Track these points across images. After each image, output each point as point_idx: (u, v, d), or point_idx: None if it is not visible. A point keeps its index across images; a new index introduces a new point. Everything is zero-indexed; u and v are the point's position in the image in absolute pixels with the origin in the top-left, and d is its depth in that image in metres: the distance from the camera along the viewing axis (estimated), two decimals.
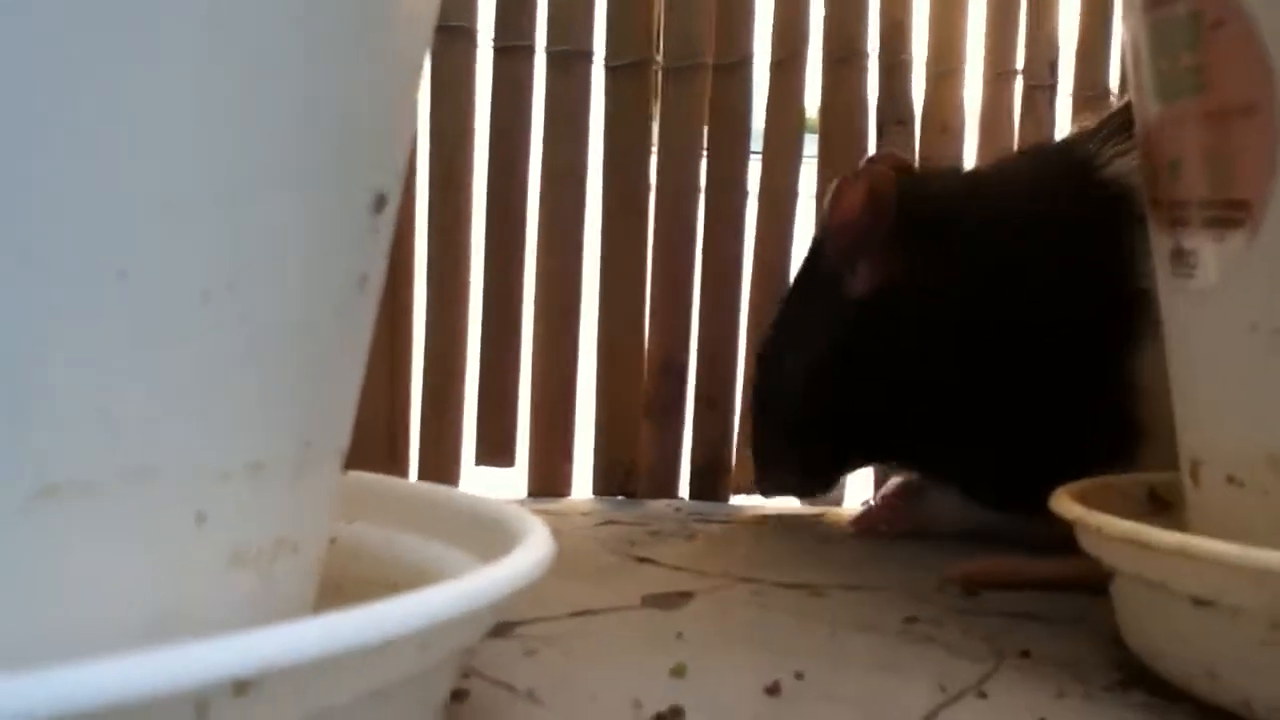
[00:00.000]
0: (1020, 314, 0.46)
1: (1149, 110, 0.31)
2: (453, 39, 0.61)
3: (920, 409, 0.48)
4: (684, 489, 0.65)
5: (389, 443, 0.62)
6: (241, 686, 0.13)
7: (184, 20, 0.15)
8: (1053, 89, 0.68)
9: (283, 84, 0.17)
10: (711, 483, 0.65)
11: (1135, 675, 0.30)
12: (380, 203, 0.20)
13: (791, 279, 0.60)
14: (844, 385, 0.50)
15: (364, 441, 0.59)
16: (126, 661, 0.12)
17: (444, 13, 0.59)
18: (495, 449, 0.64)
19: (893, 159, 0.54)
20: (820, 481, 0.55)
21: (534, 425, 0.64)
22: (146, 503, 0.16)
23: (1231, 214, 0.27)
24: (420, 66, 0.22)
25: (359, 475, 0.31)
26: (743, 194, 0.65)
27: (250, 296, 0.17)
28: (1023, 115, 0.68)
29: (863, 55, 0.65)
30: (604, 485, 0.64)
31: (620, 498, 0.64)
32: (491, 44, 0.62)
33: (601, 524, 0.54)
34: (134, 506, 0.16)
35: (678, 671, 0.29)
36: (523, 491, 0.64)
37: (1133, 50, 0.32)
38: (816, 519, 0.60)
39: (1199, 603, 0.26)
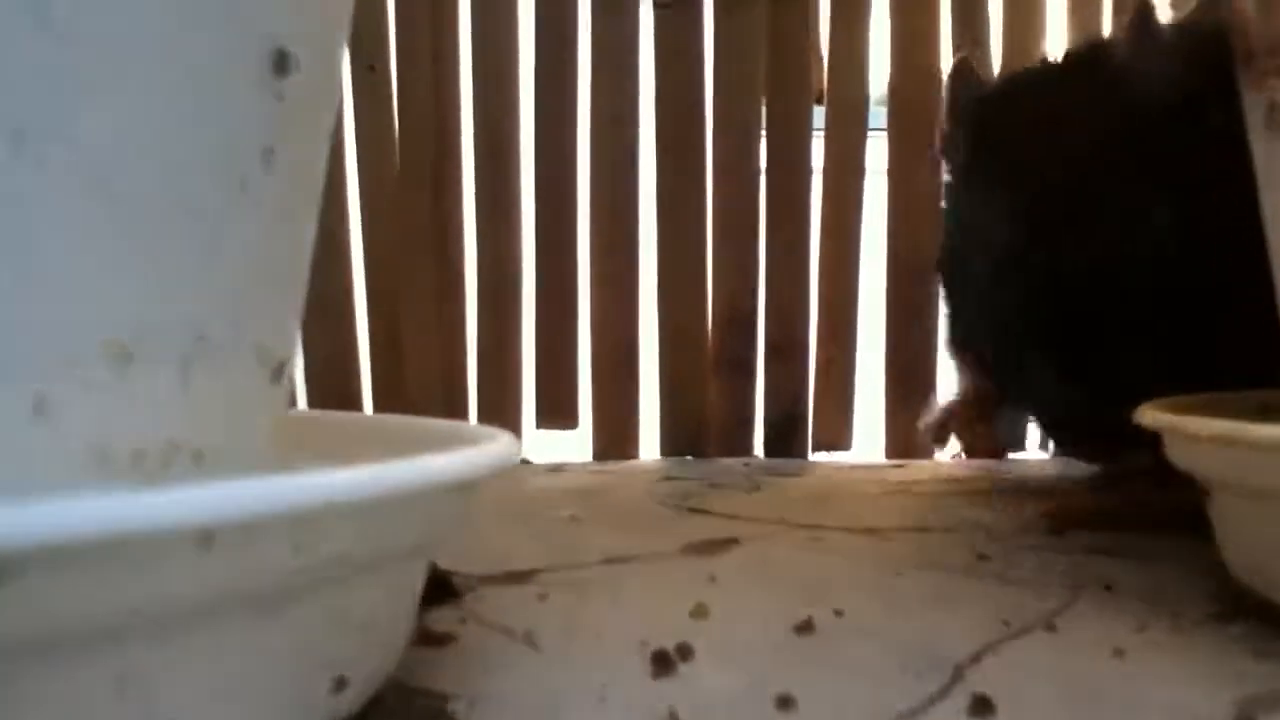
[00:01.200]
0: None
1: None
2: None
3: None
4: (759, 446, 0.62)
5: (447, 410, 0.60)
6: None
7: None
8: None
9: None
10: (787, 438, 0.62)
11: (1234, 607, 0.26)
12: (281, 61, 0.17)
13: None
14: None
15: (420, 410, 0.58)
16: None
17: None
18: (556, 411, 0.61)
19: None
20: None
21: (595, 385, 0.61)
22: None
23: None
24: None
25: (317, 413, 0.29)
26: (807, 130, 0.61)
27: (91, 147, 0.14)
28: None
29: None
30: (672, 445, 0.61)
31: (689, 457, 0.61)
32: None
33: (661, 480, 0.51)
34: None
35: (698, 612, 0.26)
36: (588, 454, 0.61)
37: None
38: (898, 468, 0.56)
39: None
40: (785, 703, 0.20)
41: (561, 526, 0.38)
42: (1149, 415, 0.29)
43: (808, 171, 0.61)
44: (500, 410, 0.60)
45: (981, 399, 0.49)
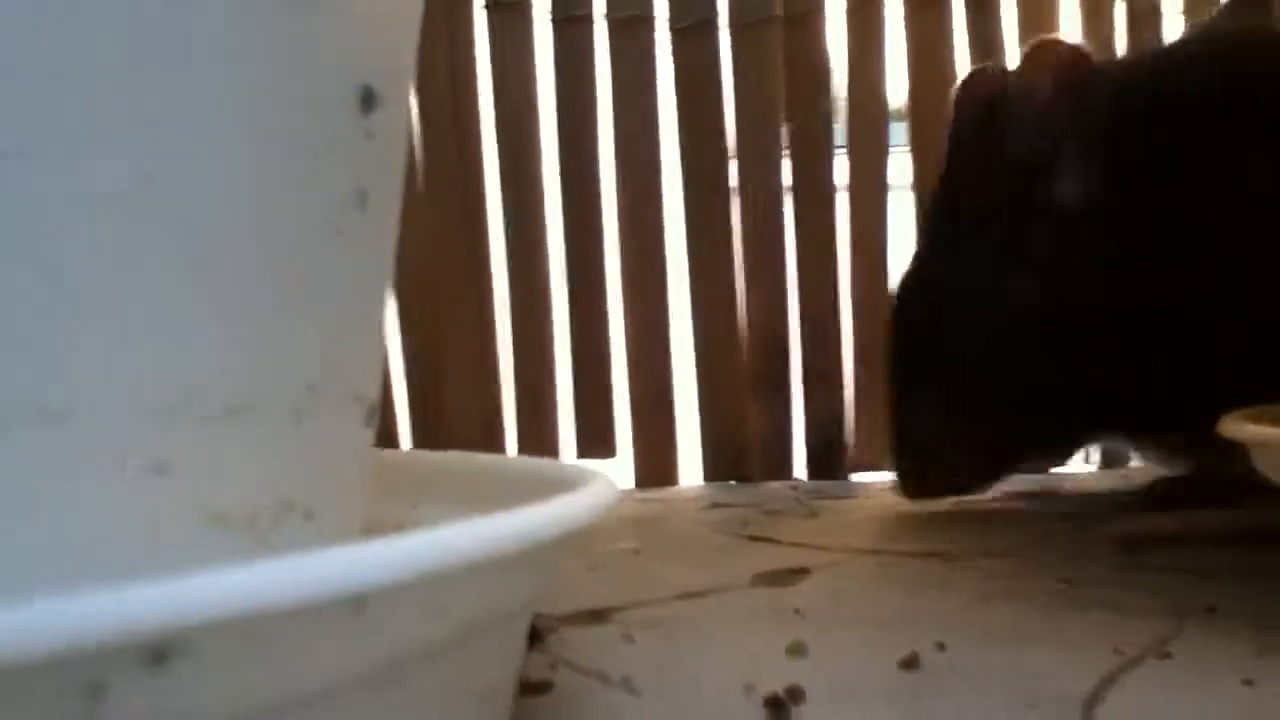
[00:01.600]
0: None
1: None
2: (508, 15, 0.58)
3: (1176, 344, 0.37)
4: (799, 469, 0.61)
5: (486, 444, 0.59)
6: (159, 655, 0.09)
7: None
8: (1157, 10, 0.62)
9: None
10: (829, 460, 0.61)
11: None
12: (369, 99, 0.17)
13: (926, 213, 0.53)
14: (1060, 335, 0.38)
15: (459, 445, 0.58)
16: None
17: None
18: (595, 440, 0.60)
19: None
20: (990, 475, 0.44)
21: (634, 412, 0.61)
22: (100, 443, 0.13)
23: None
24: None
25: (416, 453, 0.28)
26: (829, 150, 0.61)
27: (181, 194, 0.13)
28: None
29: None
30: (714, 470, 0.61)
31: (732, 482, 0.60)
32: (549, 17, 0.59)
33: (710, 507, 0.50)
34: (89, 447, 0.13)
35: (795, 650, 0.25)
36: (629, 482, 0.60)
37: None
38: None
39: None
40: None
41: (625, 560, 0.37)
42: (1235, 428, 0.28)
43: (832, 190, 0.61)
44: (539, 441, 0.60)
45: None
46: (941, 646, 0.25)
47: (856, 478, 0.61)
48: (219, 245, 0.14)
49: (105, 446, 0.13)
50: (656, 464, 0.60)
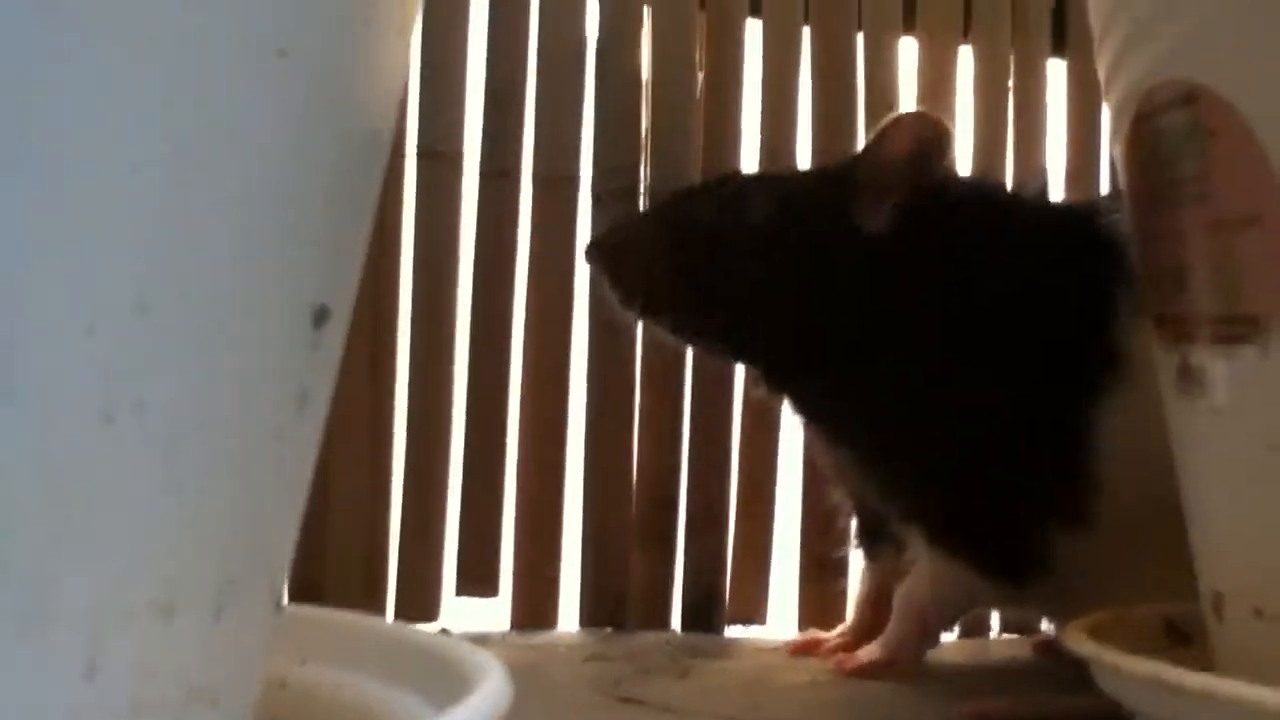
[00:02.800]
0: (999, 323, 0.45)
1: (1147, 222, 0.30)
2: (438, 164, 0.60)
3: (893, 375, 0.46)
4: (676, 620, 0.62)
5: (366, 574, 0.59)
6: None
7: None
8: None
9: (211, 182, 0.15)
10: (706, 613, 0.62)
11: None
12: (321, 315, 0.19)
13: None
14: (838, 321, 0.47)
15: (341, 572, 0.58)
16: None
17: (430, 138, 0.60)
18: (477, 579, 0.61)
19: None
20: None
21: (518, 555, 0.61)
22: (33, 648, 0.14)
23: (1241, 329, 0.25)
24: (372, 174, 0.20)
25: (318, 611, 0.29)
26: None
27: (161, 418, 0.15)
28: None
29: None
30: (592, 616, 0.61)
31: (609, 630, 0.61)
32: (478, 169, 0.61)
33: (587, 659, 0.51)
34: (19, 653, 0.14)
35: None
36: (506, 623, 0.61)
37: (1127, 162, 0.31)
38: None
39: None
40: None
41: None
42: (1076, 640, 0.31)
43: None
44: (421, 574, 0.60)
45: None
46: None
47: (732, 630, 0.62)
48: (178, 454, 0.15)
49: (44, 647, 0.14)
50: (535, 606, 0.61)
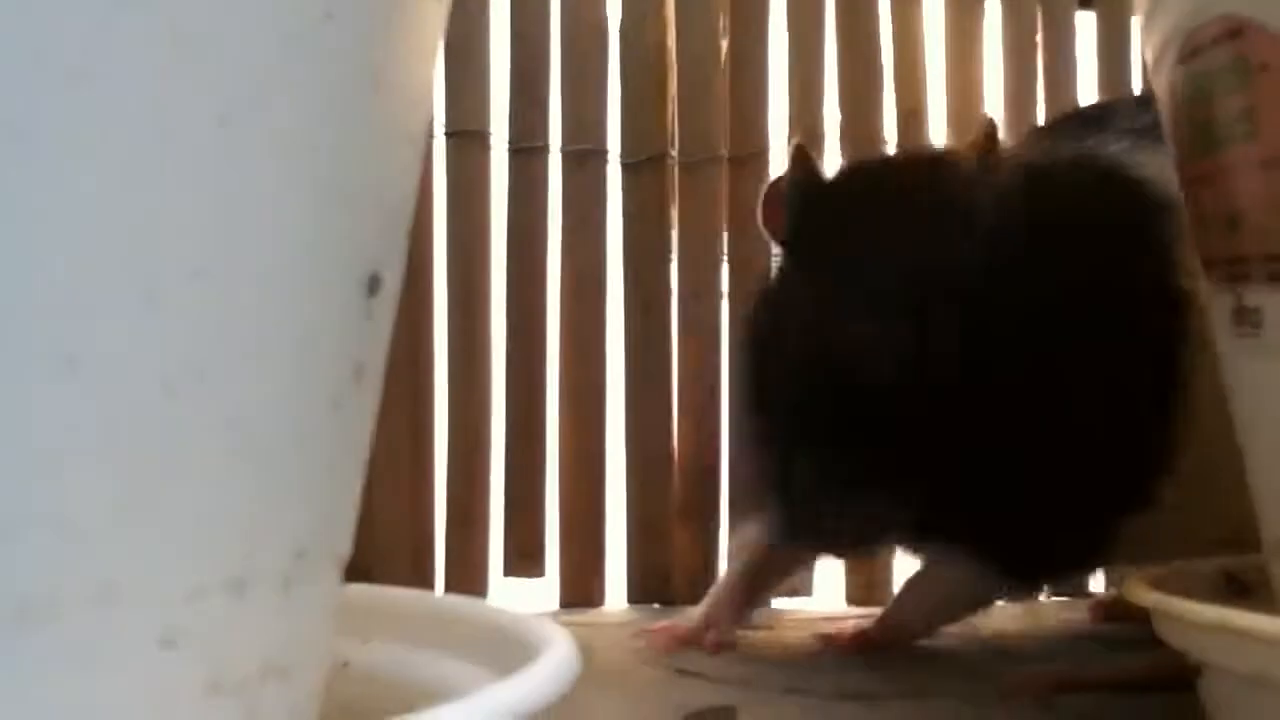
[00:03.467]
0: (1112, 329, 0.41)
1: (1195, 166, 0.29)
2: (467, 143, 0.60)
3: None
4: None
5: (413, 557, 0.60)
6: None
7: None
8: None
9: (266, 147, 0.15)
10: None
11: None
12: (374, 284, 0.19)
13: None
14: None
15: (388, 556, 0.58)
16: None
17: (457, 117, 0.60)
18: (524, 559, 0.61)
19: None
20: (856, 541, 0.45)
21: (563, 534, 0.62)
22: (110, 626, 0.14)
23: None
24: (418, 141, 0.20)
25: (376, 589, 0.29)
26: None
27: (223, 388, 0.15)
28: None
29: (880, 143, 0.64)
30: (639, 593, 0.62)
31: (657, 605, 0.61)
32: (506, 146, 0.61)
33: (637, 635, 0.51)
34: (96, 630, 0.14)
35: None
36: (554, 603, 0.61)
37: (1170, 107, 0.31)
38: (864, 619, 0.57)
39: None
40: None
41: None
42: (1139, 593, 0.30)
43: None
44: (468, 557, 0.60)
45: None
46: None
47: (777, 602, 0.62)
48: (242, 428, 0.15)
49: (128, 625, 0.14)
50: (582, 586, 0.61)
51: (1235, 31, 0.26)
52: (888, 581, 0.63)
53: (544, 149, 0.62)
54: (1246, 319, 0.28)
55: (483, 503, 0.61)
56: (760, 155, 0.64)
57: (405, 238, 0.21)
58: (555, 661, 0.19)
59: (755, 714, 0.35)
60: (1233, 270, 0.28)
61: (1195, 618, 0.26)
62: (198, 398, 0.15)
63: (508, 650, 0.22)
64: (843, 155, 0.64)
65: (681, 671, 0.42)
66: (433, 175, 0.60)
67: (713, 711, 0.36)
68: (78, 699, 0.14)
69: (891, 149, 0.65)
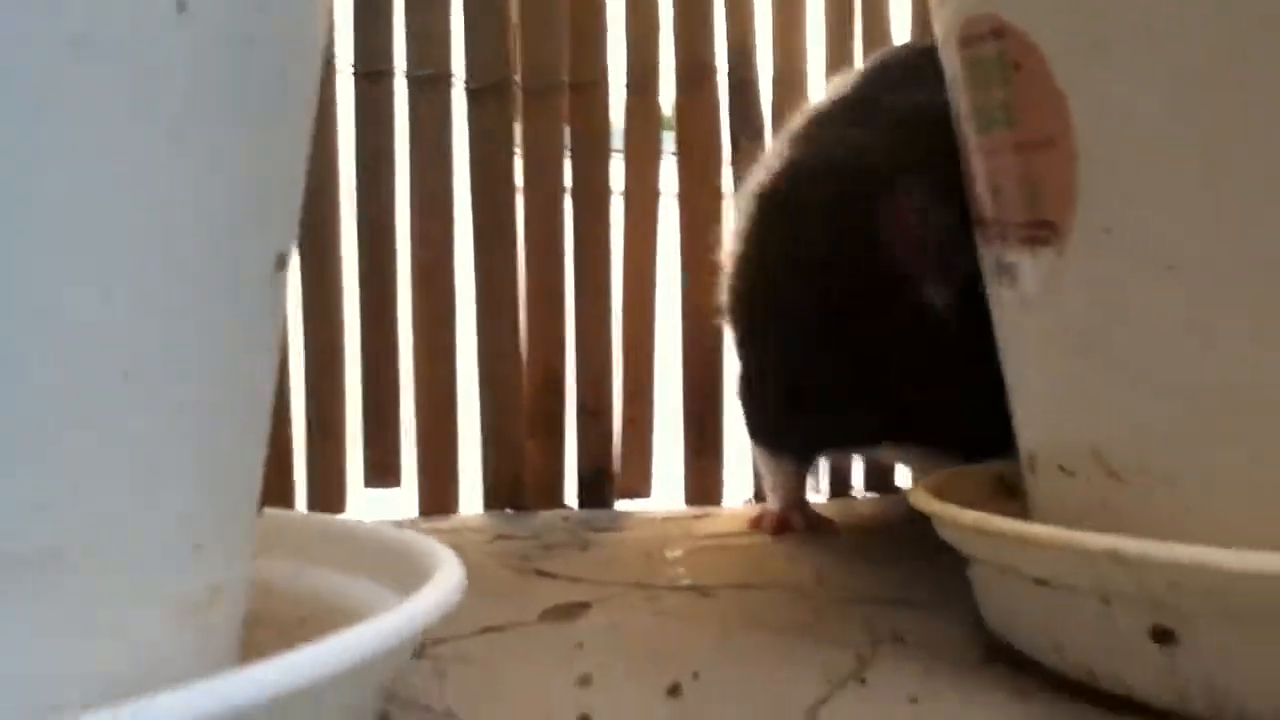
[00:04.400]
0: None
1: (971, 138, 0.34)
2: None
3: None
4: (571, 498, 0.67)
5: (275, 472, 0.62)
6: None
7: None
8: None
9: (201, 158, 0.18)
10: (598, 490, 0.68)
11: (996, 651, 0.34)
12: (282, 262, 0.22)
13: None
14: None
15: None
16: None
17: None
18: (382, 471, 0.64)
19: None
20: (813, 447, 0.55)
21: (419, 445, 0.65)
22: (99, 564, 0.17)
23: (1042, 233, 0.30)
24: (308, 133, 0.23)
25: (271, 512, 0.32)
26: (607, 211, 0.67)
27: (173, 368, 0.18)
28: None
29: (713, 73, 0.68)
30: (493, 500, 0.66)
31: (509, 511, 0.66)
32: (351, 70, 0.62)
33: (494, 539, 0.55)
34: (86, 569, 0.17)
35: (583, 680, 0.31)
36: (413, 511, 0.65)
37: (952, 82, 0.35)
38: (700, 518, 0.63)
39: (1040, 582, 0.30)
40: None
41: None
42: (920, 498, 0.36)
43: (608, 249, 0.68)
44: (328, 472, 0.63)
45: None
46: (696, 676, 0.32)
47: (621, 504, 0.68)
48: (197, 411, 0.19)
49: (122, 571, 0.17)
50: (439, 495, 0.65)
51: (999, 31, 0.31)
52: (720, 484, 0.69)
53: (389, 73, 0.63)
54: (1006, 273, 0.34)
55: (340, 419, 0.64)
56: (600, 82, 0.66)
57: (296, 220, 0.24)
58: (451, 575, 0.23)
59: (606, 607, 0.41)
60: (998, 231, 0.34)
61: (960, 520, 0.32)
62: (152, 382, 0.18)
63: (396, 565, 0.26)
64: (677, 84, 0.68)
65: (539, 573, 0.47)
66: None
67: (568, 607, 0.41)
68: (72, 635, 0.17)
69: (723, 77, 0.68)
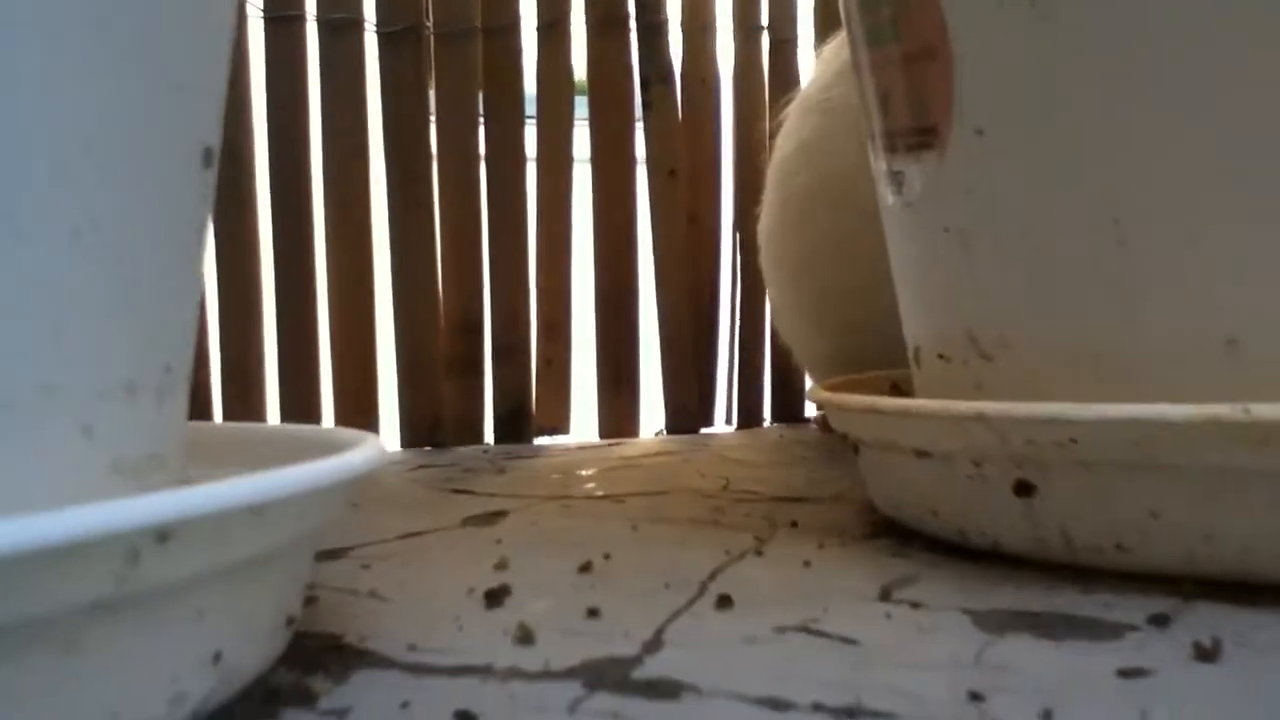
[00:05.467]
0: None
1: (862, 55, 0.37)
2: None
3: None
4: (489, 436, 0.69)
5: (193, 414, 0.62)
6: (163, 534, 0.16)
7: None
8: (795, 42, 0.75)
9: (131, 53, 0.19)
10: (515, 427, 0.69)
11: (882, 529, 0.37)
12: (208, 157, 0.23)
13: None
14: None
15: None
16: (67, 512, 0.15)
17: None
18: (300, 413, 0.65)
19: None
20: None
21: (337, 388, 0.66)
22: (49, 415, 0.19)
23: (926, 138, 0.33)
24: (231, 29, 0.24)
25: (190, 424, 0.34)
26: (521, 154, 0.69)
27: (113, 235, 0.19)
28: (771, 68, 0.74)
29: (624, 18, 0.70)
30: (411, 438, 0.67)
31: (429, 449, 0.67)
32: (261, 14, 0.63)
33: (415, 469, 0.57)
34: (38, 419, 0.19)
35: (501, 564, 0.33)
36: None
37: (846, 11, 0.38)
38: (614, 446, 0.65)
39: (920, 454, 0.33)
40: (593, 613, 0.27)
41: (346, 512, 0.44)
42: (815, 394, 0.39)
43: (524, 195, 0.69)
44: (247, 416, 0.64)
45: None
46: (608, 556, 0.34)
47: (540, 440, 0.70)
48: (126, 264, 0.20)
49: (54, 417, 0.19)
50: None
51: None
52: (635, 418, 0.71)
53: (300, 18, 0.64)
54: (894, 181, 0.36)
55: (259, 362, 0.64)
56: (512, 28, 0.68)
57: (221, 116, 0.25)
58: (373, 445, 0.25)
59: (523, 514, 0.43)
60: (887, 142, 0.36)
61: (850, 404, 0.35)
62: (99, 252, 0.19)
63: (317, 453, 0.27)
64: (589, 30, 0.69)
65: (458, 490, 0.49)
66: None
67: (487, 515, 0.42)
68: (13, 472, 0.19)
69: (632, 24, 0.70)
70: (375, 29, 0.65)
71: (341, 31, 0.64)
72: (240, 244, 0.64)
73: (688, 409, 0.72)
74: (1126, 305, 0.30)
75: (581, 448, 0.66)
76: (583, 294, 0.71)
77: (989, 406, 0.29)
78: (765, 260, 0.65)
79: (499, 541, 0.37)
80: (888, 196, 0.37)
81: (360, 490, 0.49)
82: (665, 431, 0.72)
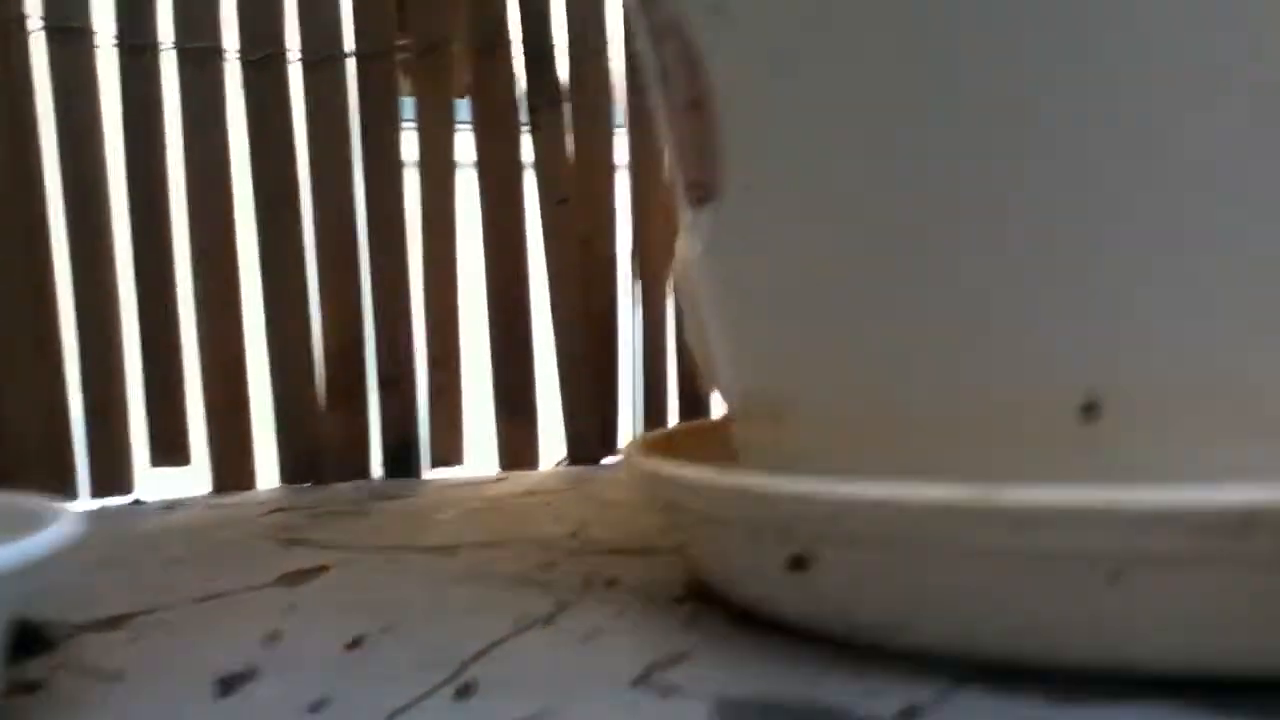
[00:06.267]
0: None
1: (660, 100, 0.35)
2: (69, 40, 0.59)
3: None
4: (377, 469, 0.67)
5: (54, 455, 0.61)
6: None
7: None
8: None
9: None
10: (404, 460, 0.68)
11: (695, 591, 0.35)
12: None
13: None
14: None
15: (27, 457, 0.59)
16: None
17: (59, 14, 0.58)
18: (169, 449, 0.63)
19: None
20: None
21: (209, 421, 0.64)
22: None
23: (706, 192, 0.31)
24: None
25: None
26: (399, 173, 0.67)
27: None
28: None
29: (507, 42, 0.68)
30: (291, 474, 0.65)
31: (309, 484, 0.65)
32: (114, 45, 0.61)
33: (270, 512, 0.55)
34: None
35: (272, 636, 0.32)
36: (206, 488, 0.64)
37: (645, 42, 0.36)
38: (502, 481, 0.64)
39: (709, 520, 0.31)
40: (316, 706, 0.26)
41: (162, 569, 0.42)
42: (633, 457, 0.37)
43: (402, 210, 0.67)
44: (111, 452, 0.62)
45: None
46: (386, 629, 0.32)
47: (433, 473, 0.68)
48: None
49: None
50: (233, 471, 0.64)
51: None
52: (534, 448, 0.70)
53: (156, 47, 0.62)
54: (688, 229, 0.35)
55: (120, 398, 0.62)
56: (388, 54, 0.66)
57: None
58: (64, 525, 0.23)
59: (343, 570, 0.41)
60: (684, 192, 0.35)
61: (636, 465, 0.33)
62: None
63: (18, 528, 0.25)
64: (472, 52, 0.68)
65: (293, 541, 0.47)
66: (31, 75, 0.59)
67: (305, 571, 0.41)
68: None
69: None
70: (237, 56, 0.63)
71: (201, 61, 0.62)
72: (97, 275, 0.61)
73: (587, 438, 0.71)
74: (918, 366, 0.28)
75: (469, 482, 0.64)
76: (473, 319, 0.70)
77: (751, 481, 0.28)
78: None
79: (291, 607, 0.36)
80: (686, 241, 0.35)
81: (189, 543, 0.48)
82: (568, 461, 0.71)
